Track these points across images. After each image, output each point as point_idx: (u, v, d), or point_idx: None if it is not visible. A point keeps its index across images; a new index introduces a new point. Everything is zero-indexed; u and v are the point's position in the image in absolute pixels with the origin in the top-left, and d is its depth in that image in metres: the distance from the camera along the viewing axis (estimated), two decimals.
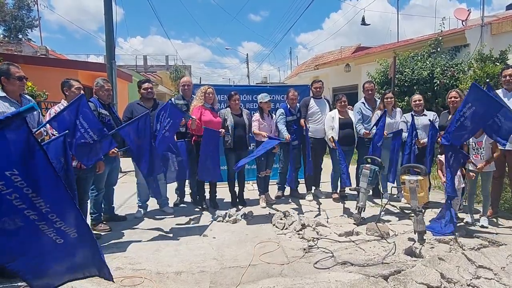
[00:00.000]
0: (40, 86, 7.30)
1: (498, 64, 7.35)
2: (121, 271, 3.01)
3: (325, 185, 5.70)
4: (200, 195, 4.93)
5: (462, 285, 2.75)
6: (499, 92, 4.35)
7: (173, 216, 4.62)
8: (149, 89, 4.57)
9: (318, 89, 5.33)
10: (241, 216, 4.52)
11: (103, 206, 4.22)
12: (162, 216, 4.59)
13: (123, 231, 4.02)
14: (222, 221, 4.35)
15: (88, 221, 3.78)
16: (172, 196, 5.08)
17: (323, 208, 4.88)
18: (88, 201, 3.88)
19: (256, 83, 21.96)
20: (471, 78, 7.33)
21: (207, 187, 4.98)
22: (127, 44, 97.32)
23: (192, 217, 4.53)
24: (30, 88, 6.46)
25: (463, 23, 11.62)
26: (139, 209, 4.65)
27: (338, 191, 5.34)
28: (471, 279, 2.82)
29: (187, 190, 5.27)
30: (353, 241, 3.66)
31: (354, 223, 4.17)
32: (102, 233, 3.89)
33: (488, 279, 2.83)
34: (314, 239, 3.70)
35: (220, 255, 3.38)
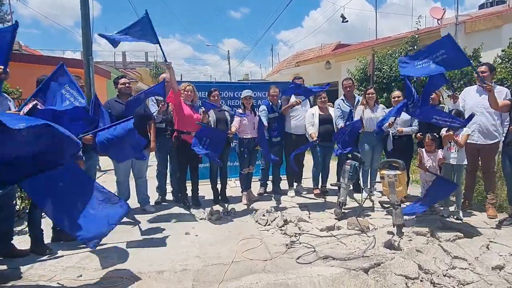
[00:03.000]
0: (14, 83, 6.99)
1: (472, 61, 7.60)
2: (100, 272, 2.96)
3: (307, 181, 5.76)
4: (182, 193, 4.88)
5: (438, 276, 2.85)
6: (473, 88, 4.51)
7: (154, 214, 4.55)
8: (127, 84, 4.47)
9: None
10: (224, 213, 4.51)
11: None
12: (143, 215, 4.52)
13: None
14: (205, 219, 4.33)
15: None
16: (153, 195, 5.00)
17: (305, 204, 4.93)
18: None
19: (238, 80, 21.92)
20: (446, 75, 7.55)
21: (188, 185, 4.93)
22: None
23: (174, 215, 4.49)
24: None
25: (438, 21, 11.96)
26: None
27: (319, 187, 5.41)
28: (447, 270, 2.93)
29: (169, 188, 5.21)
30: (334, 236, 3.72)
31: (335, 218, 4.24)
32: None
33: (463, 269, 2.94)
34: (296, 235, 3.74)
35: (203, 252, 3.37)
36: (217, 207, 4.69)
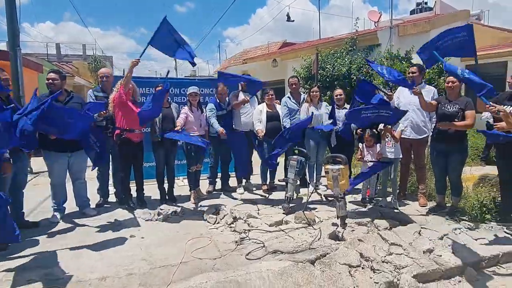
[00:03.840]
0: None
1: (404, 62, 8.25)
2: (34, 284, 2.70)
3: (255, 177, 5.82)
4: (126, 194, 4.64)
5: (378, 262, 3.05)
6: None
7: (95, 218, 4.28)
8: (51, 80, 3.98)
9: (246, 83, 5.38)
10: (171, 213, 4.38)
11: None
12: (83, 219, 4.22)
13: (37, 238, 3.59)
14: (151, 220, 4.17)
15: None
16: (94, 197, 4.70)
17: (254, 200, 4.98)
18: None
19: (185, 76, 21.40)
20: None
21: (133, 185, 4.71)
22: (35, 30, 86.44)
23: (117, 217, 4.26)
24: None
25: (375, 24, 12.78)
26: (55, 213, 4.20)
27: (267, 183, 5.50)
28: (385, 256, 3.14)
29: (111, 189, 4.93)
30: (282, 230, 3.80)
31: (283, 213, 4.33)
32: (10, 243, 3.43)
33: (399, 254, 3.18)
34: (246, 231, 3.76)
35: (150, 255, 3.24)
36: (164, 207, 4.53)
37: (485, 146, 6.98)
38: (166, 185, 4.96)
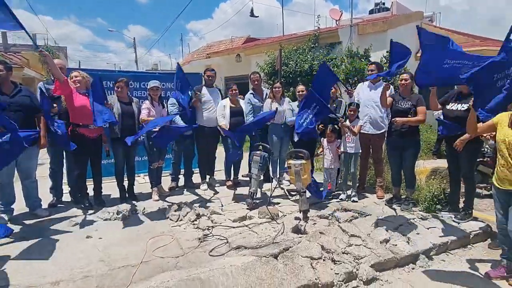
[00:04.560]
0: None
1: (363, 60, 8.55)
2: None
3: (219, 173, 5.77)
4: (82, 193, 4.41)
5: (338, 254, 3.15)
6: (365, 84, 5.05)
7: (48, 218, 4.03)
8: None
9: (210, 78, 5.30)
10: (132, 211, 4.24)
11: None
12: (34, 220, 3.96)
13: None
14: (110, 219, 4.00)
15: None
16: (46, 197, 4.42)
17: (217, 196, 4.94)
18: None
19: (146, 70, 20.72)
20: (343, 72, 8.36)
21: (90, 184, 4.49)
22: None
23: (73, 217, 4.04)
24: None
25: (337, 22, 13.10)
26: (2, 214, 3.89)
27: (231, 179, 5.48)
28: (345, 247, 3.25)
29: (66, 188, 4.66)
30: (246, 226, 3.81)
31: (247, 208, 4.34)
32: None
33: (358, 245, 3.30)
34: (209, 228, 3.72)
35: (108, 256, 3.11)
36: (124, 206, 4.37)
37: (437, 140, 7.39)
38: (126, 183, 4.78)
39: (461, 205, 4.11)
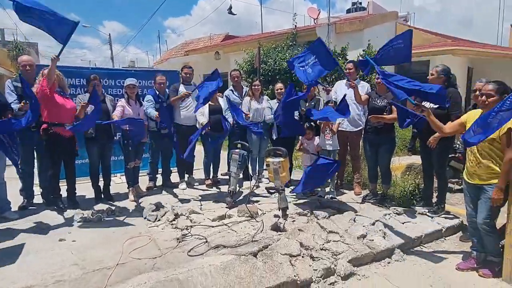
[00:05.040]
0: None
1: (340, 59, 8.67)
2: None
3: (198, 172, 5.72)
4: (55, 194, 4.26)
5: (316, 250, 3.18)
6: (343, 82, 5.11)
7: (18, 221, 3.86)
8: None
9: (187, 75, 5.23)
10: (108, 213, 4.13)
11: None
12: (4, 223, 3.79)
13: None
14: (84, 221, 3.87)
15: None
16: (16, 199, 4.23)
17: (196, 196, 4.89)
18: None
19: (123, 67, 20.23)
20: None
21: (63, 185, 4.33)
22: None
23: (44, 220, 3.89)
24: None
25: (315, 21, 13.22)
26: None
27: (211, 177, 5.43)
28: (323, 244, 3.29)
29: (37, 189, 4.48)
30: (225, 224, 3.78)
31: (226, 207, 4.31)
32: None
33: (336, 241, 3.35)
34: (188, 227, 3.67)
35: (82, 259, 3.01)
36: (99, 207, 4.25)
37: (411, 137, 7.64)
38: (101, 183, 4.65)
39: (434, 199, 4.24)
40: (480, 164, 2.86)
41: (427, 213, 4.09)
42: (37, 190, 4.48)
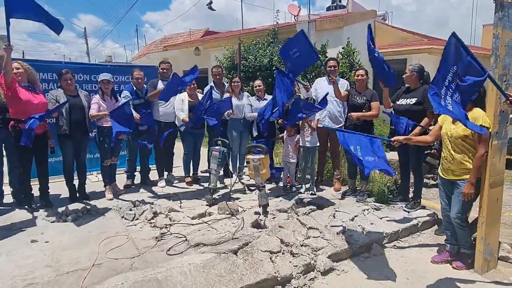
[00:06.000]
0: None
1: (320, 55, 8.72)
2: None
3: (178, 169, 5.63)
4: (26, 193, 4.08)
5: (297, 246, 3.19)
6: (323, 79, 5.14)
7: None
8: None
9: (165, 71, 5.11)
10: (83, 212, 4.00)
11: None
12: None
13: None
14: (58, 221, 3.74)
15: None
16: None
17: (176, 193, 4.81)
18: None
19: (99, 62, 19.66)
20: None
21: (35, 184, 4.16)
22: None
23: (15, 220, 3.72)
24: None
25: (295, 18, 13.25)
26: None
27: (191, 175, 5.36)
28: (303, 240, 3.30)
29: (8, 189, 4.28)
30: (205, 222, 3.74)
31: (206, 205, 4.27)
32: None
33: (316, 237, 3.37)
34: (167, 226, 3.61)
35: (56, 260, 2.90)
36: (74, 206, 4.11)
37: (390, 134, 7.80)
38: (76, 182, 4.50)
39: (411, 195, 4.35)
40: (453, 160, 2.94)
41: (404, 208, 4.18)
42: (7, 189, 4.29)
